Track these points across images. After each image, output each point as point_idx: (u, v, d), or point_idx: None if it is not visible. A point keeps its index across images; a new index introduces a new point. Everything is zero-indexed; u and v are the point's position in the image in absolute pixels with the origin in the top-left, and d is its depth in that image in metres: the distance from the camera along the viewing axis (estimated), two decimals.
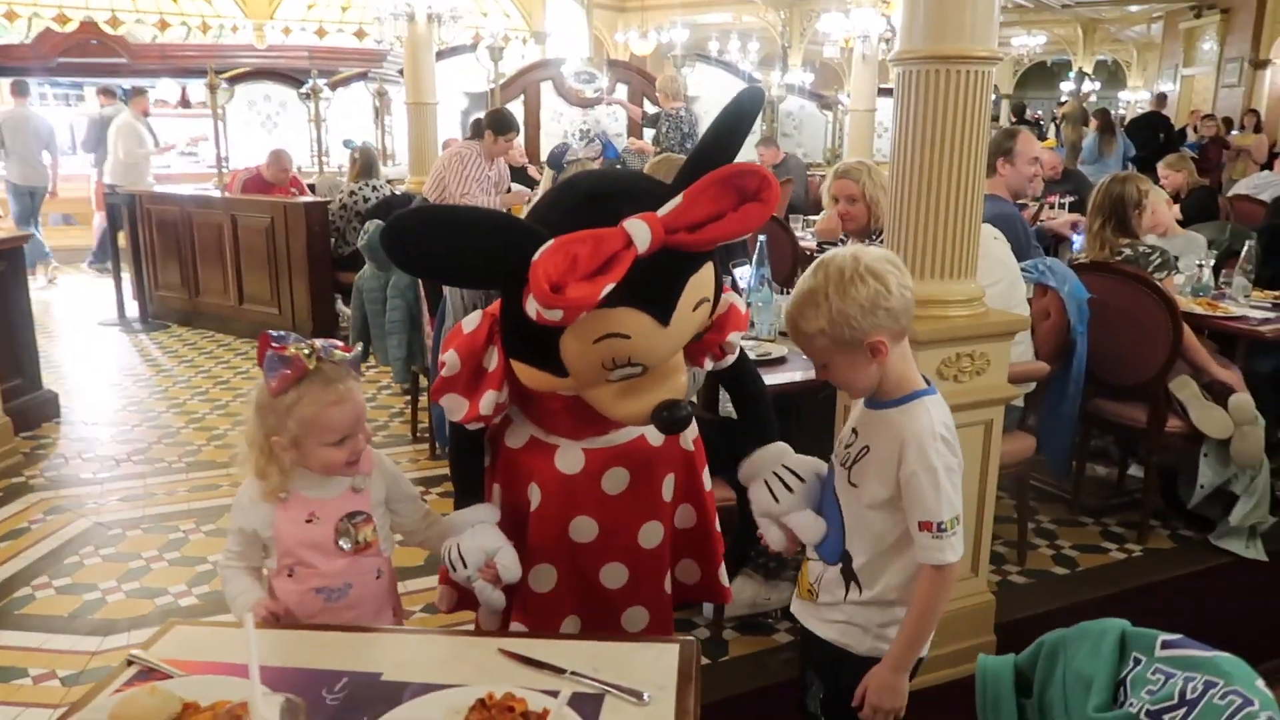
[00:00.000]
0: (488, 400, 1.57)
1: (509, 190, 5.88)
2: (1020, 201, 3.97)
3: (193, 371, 5.63)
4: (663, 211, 1.35)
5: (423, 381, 4.24)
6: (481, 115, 6.36)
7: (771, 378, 2.56)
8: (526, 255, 1.31)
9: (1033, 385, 3.05)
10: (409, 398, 4.52)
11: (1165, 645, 1.02)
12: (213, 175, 7.44)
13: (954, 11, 2.27)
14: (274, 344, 1.54)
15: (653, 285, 1.38)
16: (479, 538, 1.65)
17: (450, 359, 1.58)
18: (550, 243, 1.30)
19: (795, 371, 2.72)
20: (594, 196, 1.46)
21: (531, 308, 1.32)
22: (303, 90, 8.84)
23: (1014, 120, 13.78)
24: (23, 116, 8.61)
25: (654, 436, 1.71)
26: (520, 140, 7.97)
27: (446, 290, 3.14)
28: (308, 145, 8.69)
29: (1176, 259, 3.61)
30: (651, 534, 1.73)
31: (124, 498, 3.77)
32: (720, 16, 16.49)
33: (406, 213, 1.38)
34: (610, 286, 1.28)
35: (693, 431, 1.81)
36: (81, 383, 5.35)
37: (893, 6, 8.96)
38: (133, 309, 7.02)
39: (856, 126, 9.24)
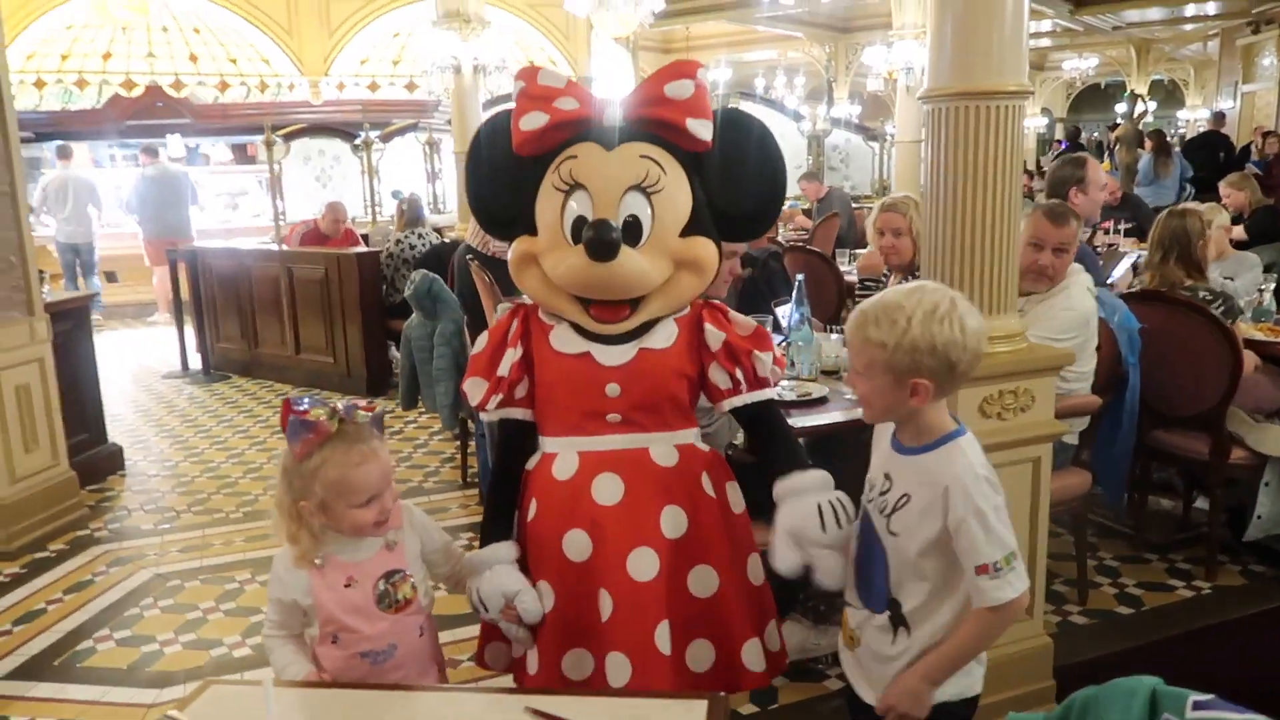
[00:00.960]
0: (505, 362, 1.75)
1: None
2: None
3: (251, 421, 5.76)
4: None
5: (471, 427, 4.29)
6: None
7: (812, 418, 2.53)
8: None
9: (1086, 420, 2.97)
10: (458, 443, 4.57)
11: (1196, 706, 0.98)
12: (269, 229, 7.66)
13: (980, 46, 2.26)
14: (295, 409, 1.56)
15: (606, 129, 1.74)
16: (498, 580, 1.70)
17: (481, 338, 1.81)
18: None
19: (836, 412, 2.68)
20: None
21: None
22: (355, 143, 9.09)
23: (1067, 145, 13.55)
24: (65, 177, 9.01)
25: (660, 454, 1.74)
26: None
27: None
28: (361, 196, 8.92)
29: (1235, 301, 3.50)
30: (643, 564, 1.71)
31: (183, 549, 3.85)
32: (765, 54, 16.59)
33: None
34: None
35: (717, 477, 1.82)
36: (145, 435, 5.50)
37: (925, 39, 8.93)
38: (195, 360, 7.23)
39: (903, 158, 9.20)
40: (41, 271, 4.41)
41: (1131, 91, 15.83)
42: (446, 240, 6.42)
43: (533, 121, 1.73)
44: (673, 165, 1.73)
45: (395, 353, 6.33)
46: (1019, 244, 2.42)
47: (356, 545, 1.64)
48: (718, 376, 1.79)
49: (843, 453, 2.76)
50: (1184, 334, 3.14)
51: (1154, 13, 13.84)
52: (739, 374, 1.77)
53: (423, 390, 4.44)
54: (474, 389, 1.78)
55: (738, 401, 1.79)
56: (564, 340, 1.77)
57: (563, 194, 1.72)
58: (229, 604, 3.35)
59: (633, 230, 1.70)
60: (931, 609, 1.56)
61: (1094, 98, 21.80)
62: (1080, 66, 17.15)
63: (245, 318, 6.98)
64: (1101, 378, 2.99)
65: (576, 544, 1.73)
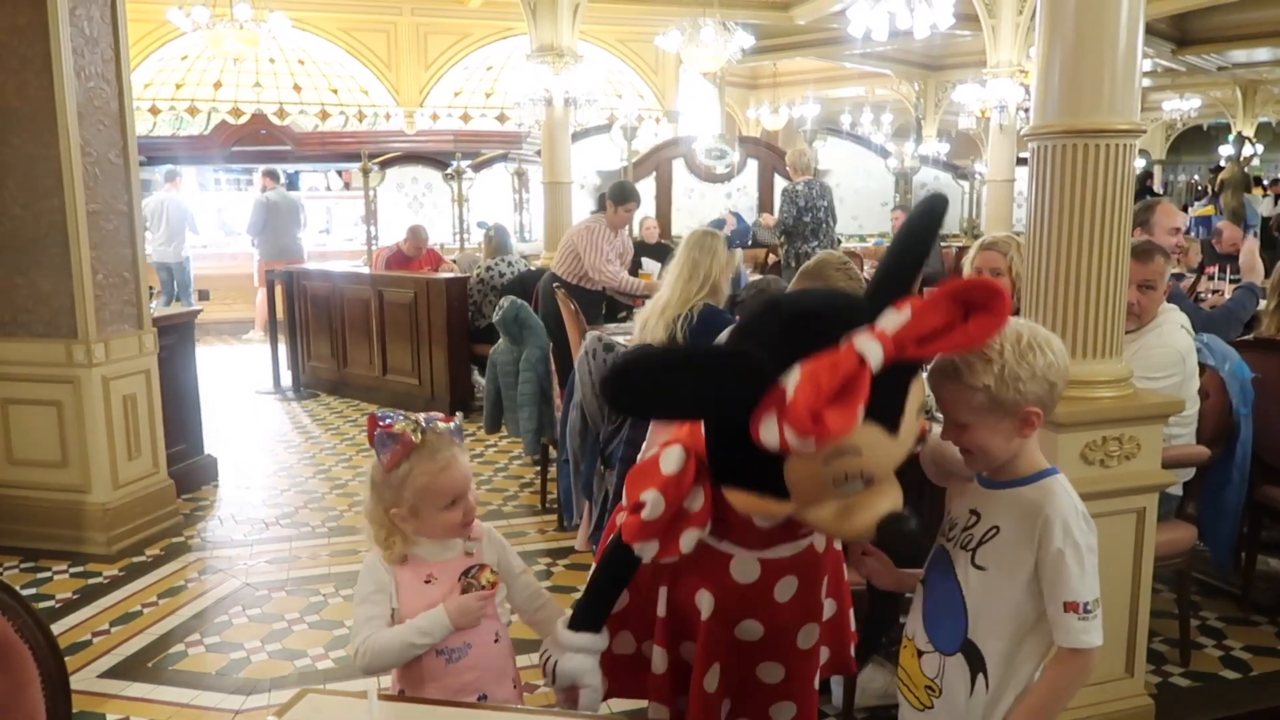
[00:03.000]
0: (689, 539, 1.56)
1: (634, 266, 6.02)
2: (1175, 271, 3.78)
3: (338, 439, 5.90)
4: (890, 328, 1.34)
5: (552, 453, 4.31)
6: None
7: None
8: (755, 385, 1.32)
9: (1191, 471, 2.85)
10: (539, 469, 4.60)
11: None
12: (361, 253, 7.90)
13: (1090, 82, 2.22)
14: (382, 423, 1.66)
15: (882, 398, 1.33)
16: (577, 666, 1.66)
17: (652, 499, 1.54)
18: (798, 371, 1.29)
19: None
20: (802, 316, 1.44)
21: (769, 435, 1.31)
22: (447, 172, 9.33)
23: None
24: (163, 200, 9.43)
25: (820, 542, 1.73)
26: (648, 215, 8.13)
27: (576, 365, 3.20)
28: (450, 224, 9.13)
29: None
30: (809, 634, 1.76)
31: (271, 560, 3.95)
32: (853, 90, 16.54)
33: (632, 358, 1.37)
34: (862, 410, 1.28)
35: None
36: (238, 448, 5.68)
37: (1031, 76, 8.79)
38: (287, 378, 7.45)
39: (994, 197, 9.04)
40: (150, 287, 4.61)
41: (1239, 134, 15.30)
42: (532, 268, 6.52)
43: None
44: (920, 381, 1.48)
45: (479, 377, 6.44)
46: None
47: (439, 549, 1.73)
48: None
49: (931, 494, 2.70)
50: None
51: (1262, 53, 13.40)
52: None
53: (506, 415, 4.49)
54: (648, 549, 1.59)
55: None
56: None
57: (837, 487, 1.43)
58: (313, 616, 3.41)
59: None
60: (1012, 654, 1.51)
61: (1195, 140, 21.12)
62: (1181, 107, 16.65)
63: (336, 338, 7.18)
64: (1210, 428, 2.86)
65: (749, 629, 1.73)
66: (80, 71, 3.90)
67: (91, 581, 3.72)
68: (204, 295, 10.28)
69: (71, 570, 3.83)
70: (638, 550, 1.59)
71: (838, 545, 1.79)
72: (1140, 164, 17.17)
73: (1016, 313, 3.07)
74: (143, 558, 3.97)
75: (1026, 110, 9.13)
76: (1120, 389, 2.28)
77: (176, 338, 4.84)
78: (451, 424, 1.73)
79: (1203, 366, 2.95)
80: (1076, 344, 2.25)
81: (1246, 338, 3.37)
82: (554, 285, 5.09)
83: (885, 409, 1.36)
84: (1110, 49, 2.20)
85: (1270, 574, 3.64)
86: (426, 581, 1.71)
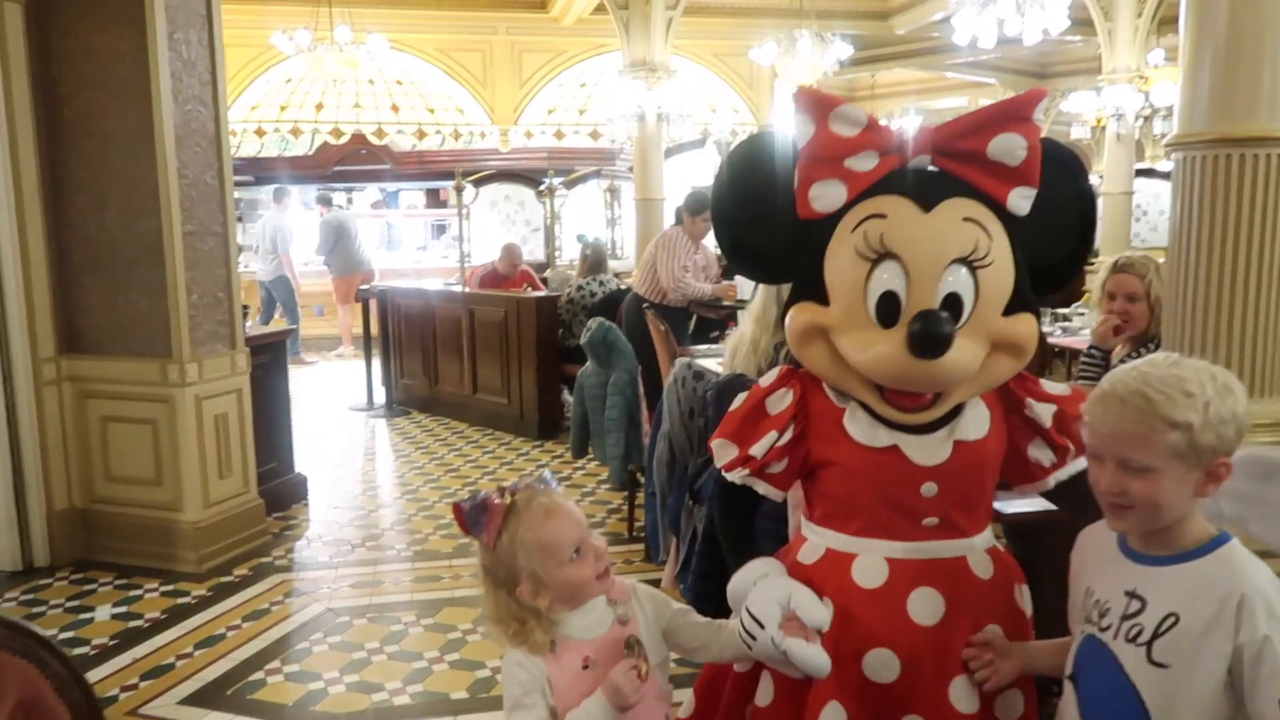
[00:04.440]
0: (764, 443, 1.51)
1: (719, 276, 5.85)
2: None
3: (427, 458, 5.88)
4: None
5: (640, 479, 4.17)
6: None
7: (1021, 504, 2.23)
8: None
9: None
10: (625, 495, 4.46)
11: None
12: (455, 270, 7.93)
13: (1247, 85, 1.96)
14: (465, 505, 1.51)
15: (919, 180, 1.45)
16: (767, 589, 1.45)
17: (739, 398, 1.59)
18: None
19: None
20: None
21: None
22: (540, 189, 9.34)
23: None
24: (266, 220, 9.76)
25: (978, 563, 1.49)
26: None
27: (665, 393, 3.05)
28: (543, 241, 9.12)
29: None
30: (965, 694, 1.44)
31: (355, 584, 3.90)
32: (955, 101, 16.02)
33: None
34: (849, 111, 1.44)
35: (1023, 583, 1.58)
36: (329, 466, 5.71)
37: (1151, 82, 8.30)
38: (381, 395, 7.51)
39: (1111, 210, 8.55)
40: (245, 306, 4.66)
41: None
42: (623, 286, 6.41)
43: (828, 200, 1.46)
44: (997, 229, 1.44)
45: (568, 397, 6.35)
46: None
47: (587, 619, 1.51)
48: (1040, 454, 1.54)
49: (1053, 548, 2.43)
50: None
51: None
52: (1069, 443, 1.51)
53: (593, 440, 4.37)
54: (722, 451, 1.57)
55: (1065, 473, 1.54)
56: (865, 430, 1.48)
57: (869, 262, 1.42)
58: (393, 646, 3.33)
59: (952, 309, 1.41)
60: None
61: None
62: None
63: (428, 356, 7.20)
64: None
65: (881, 663, 1.46)
66: (178, 95, 3.95)
67: (180, 601, 3.73)
68: (318, 311, 10.60)
69: (162, 589, 3.84)
70: (715, 452, 1.58)
71: (1022, 602, 1.53)
72: None
73: (1156, 344, 2.80)
74: (230, 578, 3.97)
75: (1146, 118, 8.64)
76: None
77: (269, 356, 4.87)
78: (540, 475, 1.56)
79: None
80: None
81: None
82: (642, 305, 4.96)
83: (921, 189, 1.44)
84: (1269, 46, 1.94)
85: None
86: (584, 667, 1.48)
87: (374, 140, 11.44)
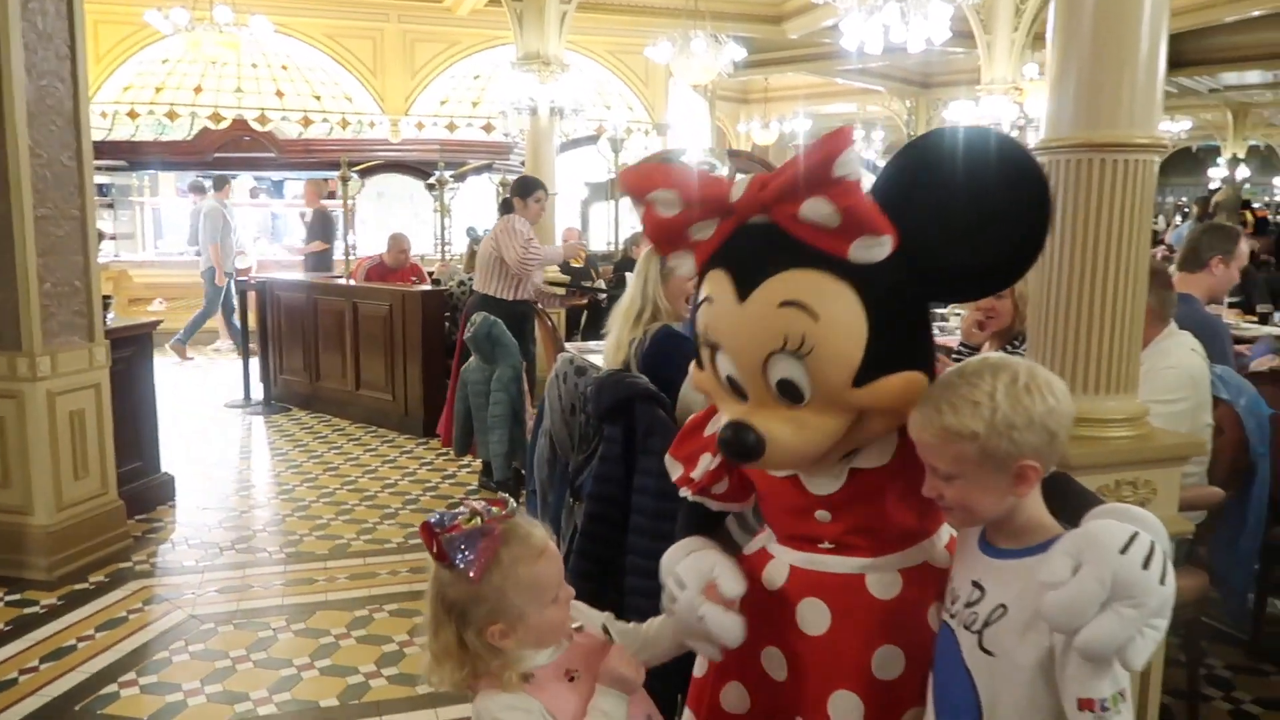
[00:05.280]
0: (701, 466, 1.52)
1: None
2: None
3: (305, 456, 5.66)
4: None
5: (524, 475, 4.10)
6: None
7: None
8: None
9: (1203, 513, 2.65)
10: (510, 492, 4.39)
11: None
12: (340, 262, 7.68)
13: (1109, 93, 2.02)
14: (446, 528, 1.33)
15: (742, 252, 1.34)
16: (696, 559, 1.49)
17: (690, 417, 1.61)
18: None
19: None
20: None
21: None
22: (429, 181, 9.13)
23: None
24: (200, 210, 9.35)
25: (878, 583, 1.44)
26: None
27: (546, 389, 2.99)
28: (432, 234, 8.92)
29: None
30: (845, 707, 1.43)
31: (221, 589, 3.72)
32: (844, 107, 16.43)
33: None
34: (665, 194, 1.33)
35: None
36: (200, 465, 5.44)
37: (1025, 94, 8.66)
38: (259, 391, 7.21)
39: None
40: (106, 297, 4.38)
41: (1233, 155, 15.25)
42: None
43: (685, 269, 1.42)
44: (833, 297, 1.28)
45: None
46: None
47: (536, 653, 1.41)
48: None
49: None
50: None
51: (1253, 76, 13.35)
52: None
53: (477, 436, 4.27)
54: (672, 468, 1.60)
55: None
56: None
57: (708, 347, 1.40)
58: (260, 654, 3.18)
59: (790, 391, 1.32)
60: None
61: (1184, 162, 21.10)
62: (1172, 129, 16.58)
63: (309, 351, 6.95)
64: (1225, 468, 2.67)
65: (775, 661, 1.51)
66: (31, 69, 3.69)
67: (27, 611, 3.48)
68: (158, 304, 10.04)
69: (7, 598, 3.58)
70: (669, 468, 1.59)
71: (934, 622, 1.44)
72: (1217, 180, 16.55)
73: (1021, 340, 2.90)
74: (85, 585, 3.72)
75: (1020, 128, 9.01)
76: (1135, 428, 2.08)
77: (133, 349, 4.60)
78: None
79: (1216, 400, 2.76)
80: (1089, 378, 2.06)
81: (1261, 370, 3.18)
82: (487, 308, 4.66)
83: (741, 266, 1.33)
84: (1131, 57, 2.01)
85: (1278, 617, 3.44)
86: (570, 679, 1.40)
87: (257, 127, 10.98)
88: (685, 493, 1.58)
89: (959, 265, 1.31)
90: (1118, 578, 1.14)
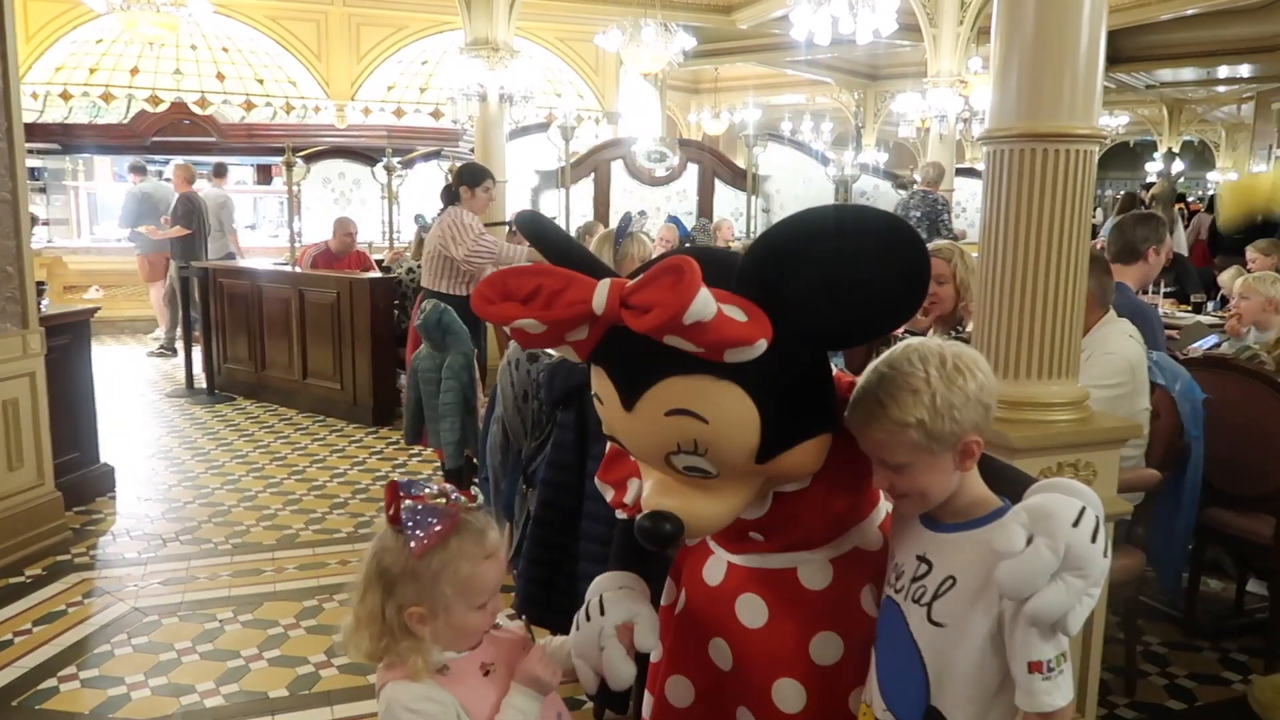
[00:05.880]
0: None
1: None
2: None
3: (251, 446, 5.56)
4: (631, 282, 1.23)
5: (475, 464, 4.08)
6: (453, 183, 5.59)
7: None
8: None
9: (1140, 495, 2.73)
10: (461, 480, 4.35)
11: None
12: (286, 250, 7.54)
13: (1051, 86, 2.08)
14: (411, 494, 1.32)
15: (620, 357, 1.29)
16: (628, 597, 1.51)
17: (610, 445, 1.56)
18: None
19: None
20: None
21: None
22: (375, 168, 9.00)
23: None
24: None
25: (810, 575, 1.48)
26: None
27: (498, 376, 2.98)
28: (380, 222, 8.80)
29: None
30: (789, 695, 1.48)
31: (165, 580, 3.64)
32: (793, 98, 16.57)
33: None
34: (522, 319, 1.23)
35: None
36: (141, 456, 5.31)
37: (970, 88, 8.81)
38: (202, 380, 7.06)
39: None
40: (41, 284, 4.25)
41: (1169, 149, 15.67)
42: None
43: (531, 345, 1.37)
44: (718, 397, 1.26)
45: (404, 381, 6.15)
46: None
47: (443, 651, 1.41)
48: None
49: None
50: (1248, 405, 2.91)
51: (1187, 73, 13.73)
52: None
53: (428, 424, 4.23)
54: (605, 493, 1.62)
55: None
56: None
57: (612, 440, 1.43)
58: (206, 645, 3.12)
59: (699, 473, 1.32)
60: (979, 718, 1.33)
61: (1122, 156, 21.65)
62: (1111, 124, 16.99)
63: (254, 339, 6.82)
64: (1161, 450, 2.76)
65: (720, 652, 1.54)
66: None
67: None
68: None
69: None
70: (602, 490, 1.60)
71: (867, 605, 1.48)
72: (1153, 174, 16.71)
73: (965, 327, 2.96)
74: (21, 578, 3.62)
75: (966, 121, 9.17)
76: (1076, 411, 2.14)
77: (70, 337, 4.47)
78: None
79: (1153, 385, 2.85)
80: (1032, 363, 2.11)
81: (1195, 356, 3.29)
82: (434, 301, 4.41)
83: (623, 372, 1.29)
84: (1072, 50, 2.06)
85: (1211, 596, 3.57)
86: (485, 674, 1.39)
87: (196, 110, 10.72)
88: (621, 514, 1.60)
89: (837, 328, 1.29)
90: (1070, 550, 1.20)
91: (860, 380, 1.36)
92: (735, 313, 1.19)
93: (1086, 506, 1.24)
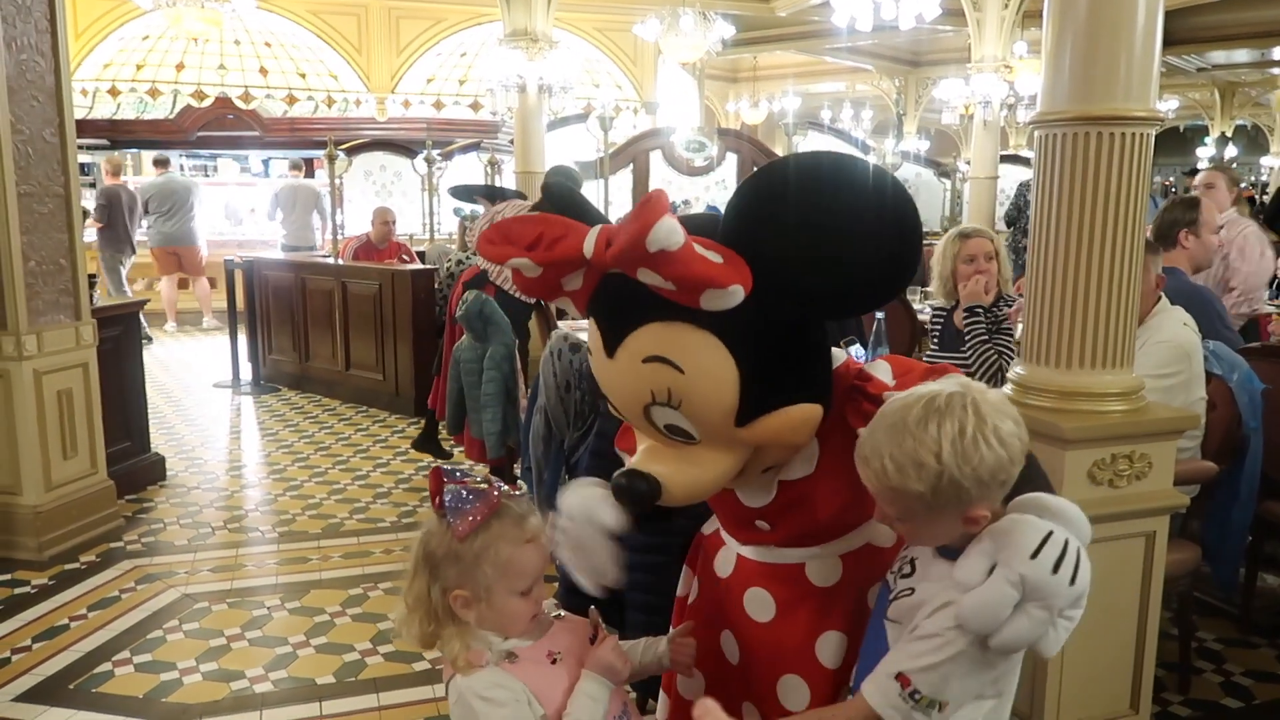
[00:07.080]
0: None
1: None
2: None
3: (296, 436, 5.64)
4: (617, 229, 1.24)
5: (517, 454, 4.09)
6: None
7: None
8: None
9: (1196, 487, 2.67)
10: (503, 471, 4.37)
11: None
12: (328, 242, 7.62)
13: (1105, 66, 2.02)
14: (454, 478, 1.35)
15: (607, 304, 1.33)
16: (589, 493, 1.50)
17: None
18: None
19: None
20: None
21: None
22: (415, 160, 9.06)
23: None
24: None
25: (818, 571, 1.48)
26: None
27: (540, 367, 2.98)
28: (420, 213, 8.85)
29: None
30: (794, 692, 1.47)
31: (215, 568, 3.70)
32: (833, 85, 16.37)
33: None
34: (517, 258, 1.26)
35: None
36: (189, 446, 5.41)
37: (1015, 72, 8.64)
38: (248, 371, 7.17)
39: (977, 194, 8.89)
40: (92, 276, 4.34)
41: (1222, 134, 15.27)
42: None
43: (529, 289, 1.38)
44: (696, 348, 1.25)
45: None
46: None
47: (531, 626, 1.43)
48: None
49: None
50: None
51: (1241, 55, 13.34)
52: None
53: (470, 415, 4.26)
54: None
55: None
56: None
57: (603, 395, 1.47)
58: (255, 632, 3.17)
59: (679, 433, 1.33)
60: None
61: (1172, 141, 21.14)
62: (1160, 109, 16.61)
63: (298, 331, 6.90)
64: (1217, 442, 2.69)
65: (730, 646, 1.56)
66: (11, 42, 3.62)
67: (18, 591, 3.46)
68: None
69: None
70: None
71: (873, 602, 1.47)
72: (1204, 159, 16.37)
73: (1000, 302, 2.93)
74: (76, 565, 3.70)
75: (1010, 106, 9.00)
76: (1131, 402, 2.09)
77: (121, 329, 4.56)
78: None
79: (1209, 375, 2.77)
80: (1085, 353, 2.06)
81: (1254, 345, 3.20)
82: (475, 291, 4.40)
83: (609, 319, 1.32)
84: (1128, 29, 2.01)
85: (1268, 591, 3.48)
86: (553, 662, 1.40)
87: (240, 105, 10.85)
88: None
89: (818, 290, 1.25)
90: (1028, 582, 1.16)
91: (864, 439, 1.27)
92: (712, 256, 1.20)
93: (1053, 531, 1.18)
